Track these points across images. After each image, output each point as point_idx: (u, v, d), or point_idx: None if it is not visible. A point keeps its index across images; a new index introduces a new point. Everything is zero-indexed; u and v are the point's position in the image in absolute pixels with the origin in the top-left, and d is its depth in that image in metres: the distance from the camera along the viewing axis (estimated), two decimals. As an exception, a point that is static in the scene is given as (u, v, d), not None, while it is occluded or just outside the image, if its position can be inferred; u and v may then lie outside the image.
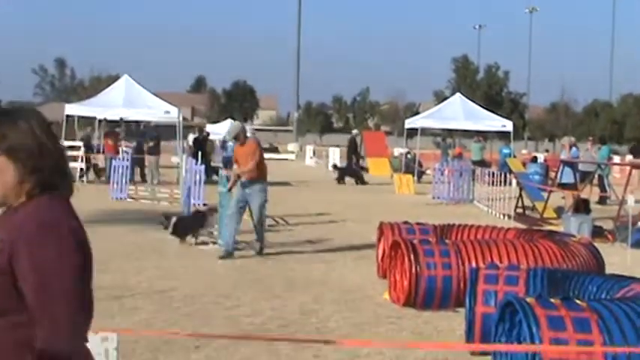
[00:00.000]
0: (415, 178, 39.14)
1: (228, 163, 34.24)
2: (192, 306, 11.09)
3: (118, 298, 11.29)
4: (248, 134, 16.64)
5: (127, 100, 35.55)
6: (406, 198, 31.99)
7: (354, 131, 45.30)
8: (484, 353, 8.64)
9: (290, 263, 14.87)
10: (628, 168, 25.16)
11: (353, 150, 43.63)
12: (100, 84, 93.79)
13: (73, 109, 36.97)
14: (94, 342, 4.37)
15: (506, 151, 43.54)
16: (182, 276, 13.26)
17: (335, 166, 43.28)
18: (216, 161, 40.24)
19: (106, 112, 36.82)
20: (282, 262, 14.99)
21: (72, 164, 33.07)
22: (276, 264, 14.72)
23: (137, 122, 42.06)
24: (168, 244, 16.76)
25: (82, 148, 34.69)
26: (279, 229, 19.84)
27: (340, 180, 39.60)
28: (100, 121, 41.70)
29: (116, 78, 47.32)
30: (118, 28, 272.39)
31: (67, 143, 34.34)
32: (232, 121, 32.70)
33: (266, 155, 16.78)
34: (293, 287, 12.67)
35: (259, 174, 15.58)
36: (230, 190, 15.95)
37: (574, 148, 28.91)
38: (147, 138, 35.71)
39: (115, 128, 39.17)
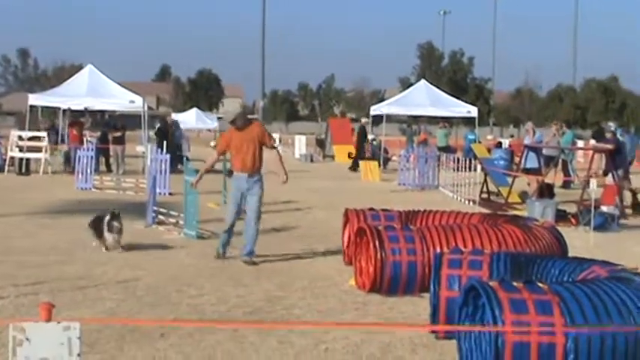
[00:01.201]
0: (381, 164, 39.23)
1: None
2: (157, 295, 11.08)
3: (82, 289, 11.26)
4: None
5: (91, 90, 35.36)
6: (372, 185, 32.07)
7: (364, 120, 45.24)
8: (449, 337, 8.70)
9: (256, 250, 14.86)
10: (591, 152, 25.34)
11: (364, 138, 43.61)
12: (63, 74, 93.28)
13: (36, 99, 36.73)
14: (56, 331, 4.38)
15: (471, 137, 43.79)
16: (147, 265, 13.23)
17: (350, 155, 43.53)
18: (183, 151, 40.09)
19: (70, 101, 36.59)
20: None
21: (36, 155, 32.94)
22: (240, 252, 14.71)
23: (102, 112, 41.82)
24: (133, 233, 16.69)
25: (46, 139, 34.46)
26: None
27: (354, 168, 39.75)
28: (64, 111, 41.46)
29: (80, 68, 47.01)
30: (81, 17, 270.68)
31: (30, 134, 34.15)
32: (197, 109, 32.60)
33: None
34: (258, 275, 12.68)
35: (261, 162, 14.28)
36: (194, 185, 14.94)
37: (538, 133, 29.06)
38: (112, 128, 35.54)
39: (79, 118, 38.96)
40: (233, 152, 13.88)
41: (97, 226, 14.87)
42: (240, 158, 13.77)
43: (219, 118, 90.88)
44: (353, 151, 47.76)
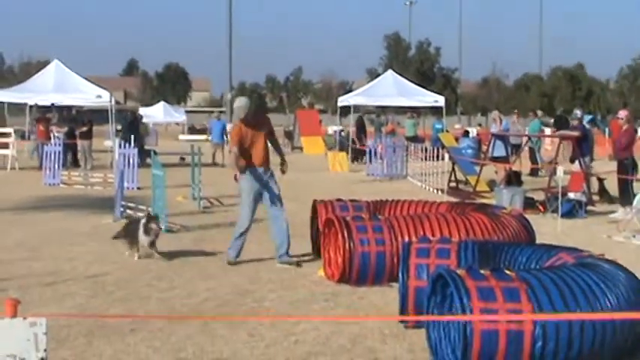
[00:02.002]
0: (349, 155, 39.29)
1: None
2: (126, 290, 11.04)
3: (51, 285, 11.21)
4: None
5: (57, 85, 35.14)
6: (340, 175, 32.12)
7: (359, 114, 45.54)
8: (418, 326, 8.73)
9: (225, 244, 14.80)
10: (558, 140, 25.47)
11: (362, 129, 43.67)
12: (30, 69, 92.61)
13: (3, 95, 36.49)
14: (22, 327, 4.36)
15: (438, 126, 43.92)
16: (116, 260, 13.19)
17: (354, 143, 43.73)
18: (150, 144, 40.00)
19: (36, 97, 36.39)
20: (216, 243, 14.95)
21: (3, 151, 32.74)
22: (210, 245, 14.70)
23: (69, 107, 41.61)
24: (101, 229, 16.65)
25: (13, 135, 34.27)
26: (214, 211, 19.81)
27: (356, 159, 39.78)
28: (30, 107, 41.21)
29: (46, 63, 46.72)
30: (47, 12, 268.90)
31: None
32: (165, 103, 32.33)
33: (200, 137, 16.51)
34: (228, 268, 12.67)
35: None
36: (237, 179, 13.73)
37: (505, 122, 29.21)
38: (79, 123, 35.38)
39: (46, 114, 38.74)
40: (248, 147, 13.08)
41: (129, 232, 13.63)
42: (257, 152, 13.19)
43: (187, 112, 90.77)
44: (321, 142, 47.83)
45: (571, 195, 19.48)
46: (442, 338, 7.75)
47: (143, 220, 13.44)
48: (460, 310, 7.12)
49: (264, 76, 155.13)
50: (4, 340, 4.38)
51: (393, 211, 13.87)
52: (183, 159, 35.89)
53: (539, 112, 33.29)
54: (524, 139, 31.24)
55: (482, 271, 7.50)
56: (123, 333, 8.77)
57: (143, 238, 13.22)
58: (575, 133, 22.60)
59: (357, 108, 45.84)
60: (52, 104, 38.48)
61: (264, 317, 9.57)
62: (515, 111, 36.80)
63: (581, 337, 7.17)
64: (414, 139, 41.83)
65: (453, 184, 26.18)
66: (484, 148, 32.09)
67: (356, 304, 10.41)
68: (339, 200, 14.18)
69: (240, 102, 13.20)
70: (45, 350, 4.46)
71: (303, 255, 13.64)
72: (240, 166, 12.99)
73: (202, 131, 71.80)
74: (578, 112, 25.24)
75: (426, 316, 7.96)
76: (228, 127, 45.60)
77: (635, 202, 17.40)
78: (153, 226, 13.25)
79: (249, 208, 13.18)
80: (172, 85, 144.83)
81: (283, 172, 13.77)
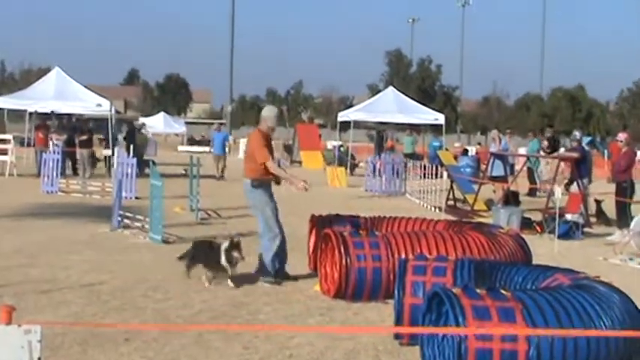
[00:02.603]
0: (348, 170, 39.31)
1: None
2: (122, 299, 11.04)
3: (47, 292, 11.20)
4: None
5: (58, 93, 35.23)
6: (339, 191, 32.13)
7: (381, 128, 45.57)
8: (413, 344, 8.73)
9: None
10: (556, 161, 25.50)
11: (380, 144, 43.62)
12: (30, 77, 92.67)
13: (3, 102, 36.54)
14: (16, 334, 4.36)
15: (435, 143, 44.04)
16: (112, 269, 13.18)
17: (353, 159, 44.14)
18: (149, 154, 40.00)
19: (36, 104, 36.45)
20: (213, 255, 14.93)
21: (2, 157, 32.73)
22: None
23: (69, 115, 41.65)
24: (98, 238, 16.66)
25: (12, 141, 34.27)
26: (212, 222, 19.80)
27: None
28: (30, 114, 41.23)
29: (47, 71, 46.80)
30: (49, 20, 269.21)
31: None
32: (165, 114, 32.34)
33: (199, 149, 16.50)
34: (223, 280, 12.65)
35: None
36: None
37: (504, 141, 29.24)
38: (78, 131, 35.39)
39: (46, 121, 38.77)
40: (270, 158, 12.83)
41: (209, 257, 12.46)
42: (272, 165, 12.92)
43: (187, 123, 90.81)
44: (320, 157, 47.80)
45: (568, 216, 19.49)
46: (436, 356, 7.75)
47: (225, 246, 12.41)
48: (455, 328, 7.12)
49: (265, 89, 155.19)
50: (-2, 347, 4.38)
51: (390, 228, 13.87)
52: (186, 171, 35.90)
53: (552, 130, 33.22)
54: (521, 159, 31.28)
55: (478, 290, 7.50)
56: (117, 342, 8.77)
57: (226, 266, 12.31)
58: (574, 155, 22.62)
59: (357, 123, 45.87)
60: (52, 112, 38.50)
61: (259, 327, 9.56)
62: (508, 131, 36.90)
63: (575, 358, 7.17)
64: (412, 156, 41.86)
65: (450, 203, 26.20)
66: (483, 167, 32.12)
67: (351, 319, 10.41)
68: (336, 215, 14.18)
69: (272, 111, 13.32)
70: (39, 358, 4.45)
71: (298, 270, 13.62)
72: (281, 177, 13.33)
73: (202, 142, 71.84)
74: (577, 134, 25.27)
75: (421, 328, 7.96)
76: (230, 138, 45.64)
77: (632, 225, 17.40)
78: (236, 254, 12.32)
79: (275, 218, 12.88)
80: (173, 95, 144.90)
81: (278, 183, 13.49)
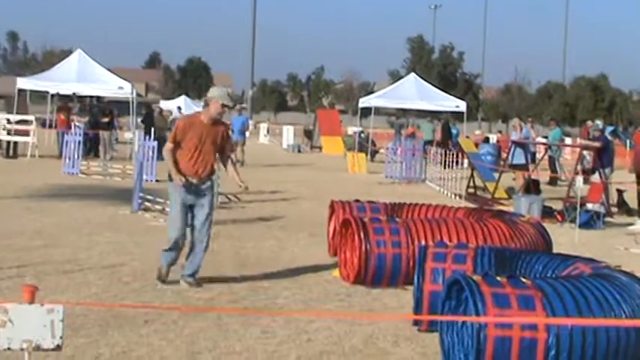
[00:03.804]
0: (368, 157, 39.31)
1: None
2: (142, 281, 11.08)
3: (68, 273, 11.26)
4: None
5: (80, 75, 35.34)
6: (359, 177, 32.14)
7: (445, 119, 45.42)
8: (432, 330, 8.73)
9: (241, 240, 14.89)
10: (578, 150, 25.42)
11: (448, 133, 43.33)
12: (53, 58, 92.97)
13: (25, 83, 36.67)
14: (39, 314, 4.39)
15: (453, 131, 43.93)
16: (133, 251, 13.23)
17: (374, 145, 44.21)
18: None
19: (58, 86, 36.59)
20: (233, 239, 15.00)
21: (24, 138, 32.86)
22: (227, 241, 14.72)
23: (90, 97, 41.79)
24: (119, 220, 16.73)
25: (34, 123, 34.40)
26: (232, 207, 19.84)
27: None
28: (52, 95, 41.38)
29: (69, 52, 46.95)
30: (71, 2, 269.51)
31: (19, 117, 34.07)
32: (186, 97, 32.32)
33: None
34: (244, 264, 12.69)
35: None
36: None
37: (525, 129, 29.17)
38: (100, 113, 35.48)
39: (67, 103, 38.91)
40: (191, 147, 10.82)
41: None
42: (200, 158, 10.89)
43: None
44: (340, 142, 47.76)
45: (589, 206, 19.43)
46: (455, 343, 7.75)
47: None
48: (475, 315, 7.12)
49: (286, 74, 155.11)
50: (20, 325, 4.42)
51: (410, 214, 13.85)
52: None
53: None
54: (542, 147, 31.22)
55: (498, 278, 7.49)
56: (137, 324, 8.81)
57: None
58: (597, 144, 22.55)
59: (378, 110, 45.82)
60: (74, 94, 38.62)
61: (277, 312, 9.58)
62: (529, 119, 36.81)
63: (595, 347, 7.16)
64: (432, 143, 41.81)
65: (471, 190, 26.14)
66: (504, 155, 32.05)
67: (370, 305, 10.42)
68: (356, 201, 14.18)
69: (222, 90, 11.32)
70: (61, 337, 4.48)
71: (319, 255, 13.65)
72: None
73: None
74: (599, 123, 25.18)
75: (440, 316, 7.96)
76: (250, 123, 45.58)
77: (653, 215, 17.34)
78: None
79: (181, 219, 10.88)
80: (194, 79, 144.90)
81: (245, 188, 11.81)
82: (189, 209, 10.89)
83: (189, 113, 11.37)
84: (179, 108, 50.98)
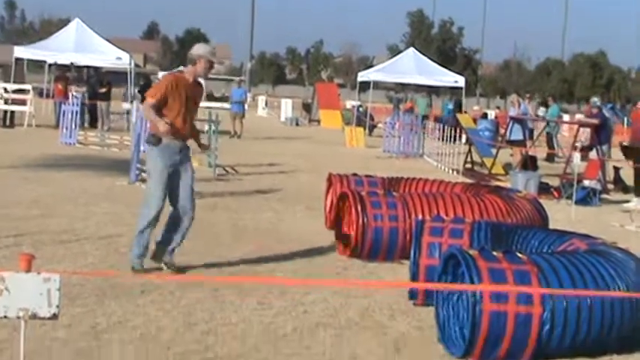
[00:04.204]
0: (366, 131, 39.30)
1: None
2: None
3: (64, 243, 11.26)
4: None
5: (78, 45, 35.29)
6: (356, 151, 32.15)
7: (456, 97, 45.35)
8: (427, 304, 8.75)
9: (238, 212, 14.90)
10: (576, 126, 25.41)
11: (459, 109, 43.13)
12: (50, 27, 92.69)
13: (22, 52, 36.63)
14: (35, 282, 4.39)
15: (449, 106, 43.94)
16: (129, 222, 13.19)
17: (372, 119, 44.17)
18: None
19: (56, 56, 36.51)
20: (230, 210, 15.01)
21: (21, 107, 32.80)
22: (224, 212, 14.74)
23: (88, 67, 41.70)
24: (116, 190, 16.74)
25: (31, 92, 34.31)
26: (229, 179, 19.84)
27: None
28: (50, 65, 41.27)
29: (67, 21, 46.83)
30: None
31: (16, 86, 33.98)
32: (184, 68, 32.21)
33: (217, 104, 16.35)
34: (241, 236, 12.71)
35: None
36: None
37: (523, 105, 29.16)
38: (98, 83, 35.40)
39: (65, 73, 38.81)
40: (179, 106, 9.90)
41: None
42: (188, 117, 10.04)
43: (205, 79, 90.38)
44: (339, 116, 47.70)
45: (586, 182, 19.45)
46: (451, 317, 7.77)
47: None
48: (470, 291, 7.15)
49: (285, 47, 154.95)
50: (17, 294, 4.42)
51: (407, 189, 13.86)
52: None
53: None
54: (540, 124, 31.23)
55: (494, 253, 7.51)
56: (134, 294, 8.83)
57: None
58: (594, 121, 22.55)
59: (376, 84, 45.77)
60: (72, 63, 38.54)
61: (274, 280, 9.59)
62: (527, 95, 36.82)
63: (589, 323, 7.20)
64: (426, 118, 41.78)
65: (468, 166, 26.16)
66: (502, 131, 32.04)
67: (366, 278, 10.44)
68: (354, 175, 14.19)
69: (207, 47, 10.51)
70: (57, 306, 4.49)
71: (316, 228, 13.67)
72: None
73: (221, 99, 71.83)
74: (596, 100, 25.18)
75: (437, 284, 7.99)
76: (248, 95, 45.37)
77: (650, 193, 17.36)
78: None
79: (163, 189, 9.88)
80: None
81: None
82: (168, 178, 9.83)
83: (171, 71, 10.36)
84: None
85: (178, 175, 9.93)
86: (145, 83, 37.25)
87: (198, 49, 10.20)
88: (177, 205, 10.02)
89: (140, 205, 10.22)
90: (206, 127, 21.67)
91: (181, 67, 11.00)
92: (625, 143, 22.48)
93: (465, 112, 45.73)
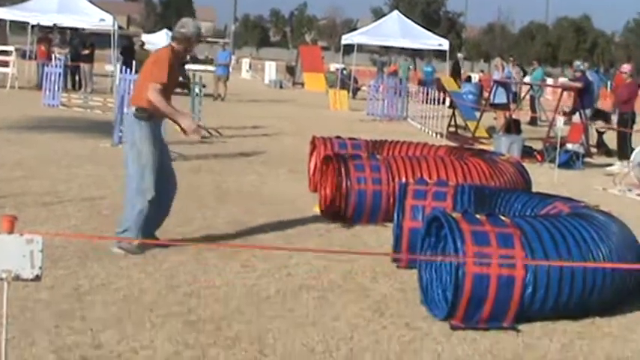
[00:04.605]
0: (350, 94, 39.23)
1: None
2: (122, 214, 11.05)
3: (47, 205, 11.23)
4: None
5: (61, 6, 34.96)
6: (340, 114, 32.12)
7: (459, 54, 44.93)
8: (410, 267, 8.78)
9: (222, 175, 14.88)
10: (559, 90, 25.42)
11: (457, 73, 42.79)
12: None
13: (4, 13, 36.32)
14: (18, 244, 4.37)
15: (428, 69, 43.96)
16: (113, 184, 13.18)
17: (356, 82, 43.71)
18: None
19: (39, 17, 36.23)
20: (214, 173, 14.99)
21: (4, 69, 32.59)
22: (208, 175, 14.72)
23: (71, 29, 41.38)
24: (99, 153, 16.68)
25: (14, 53, 34.07)
26: (213, 141, 19.78)
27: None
28: (33, 26, 40.96)
29: (50, -17, 46.39)
30: None
31: (-2, 48, 33.76)
32: (168, 31, 31.83)
33: (201, 67, 16.10)
34: (224, 198, 12.70)
35: None
36: None
37: (507, 69, 29.14)
38: (81, 45, 35.14)
39: (48, 34, 38.52)
40: (171, 85, 9.48)
41: None
42: (170, 95, 9.51)
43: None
44: (322, 79, 47.58)
45: (569, 146, 19.48)
46: (433, 280, 7.80)
47: None
48: (454, 252, 7.17)
49: (269, 9, 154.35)
50: (0, 255, 4.40)
51: (391, 152, 13.85)
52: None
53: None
54: (524, 87, 31.25)
55: (477, 216, 7.53)
56: (116, 257, 8.81)
57: None
58: (578, 85, 22.57)
59: (360, 47, 45.64)
60: (55, 25, 38.24)
61: (257, 246, 9.60)
62: (511, 59, 36.79)
63: (572, 285, 7.23)
64: (407, 81, 41.69)
65: (452, 129, 26.17)
66: (485, 94, 32.03)
67: (349, 241, 10.45)
68: (338, 137, 14.17)
69: (197, 27, 9.81)
70: (40, 268, 4.47)
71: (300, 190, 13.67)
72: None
73: (205, 61, 71.54)
74: (579, 64, 25.19)
75: (419, 255, 8.01)
76: (233, 58, 45.12)
77: (632, 156, 17.41)
78: None
79: (153, 163, 9.34)
80: (176, 12, 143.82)
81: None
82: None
83: (161, 48, 9.57)
84: None
85: (163, 150, 9.68)
86: (125, 45, 36.97)
87: (193, 28, 9.69)
88: (168, 182, 9.67)
89: (123, 167, 10.03)
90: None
91: (166, 30, 10.78)
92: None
93: (469, 76, 45.76)
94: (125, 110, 10.38)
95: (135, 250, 9.09)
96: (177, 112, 9.43)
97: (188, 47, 9.77)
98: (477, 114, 26.29)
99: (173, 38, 9.67)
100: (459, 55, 44.92)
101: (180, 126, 9.68)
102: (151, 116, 9.29)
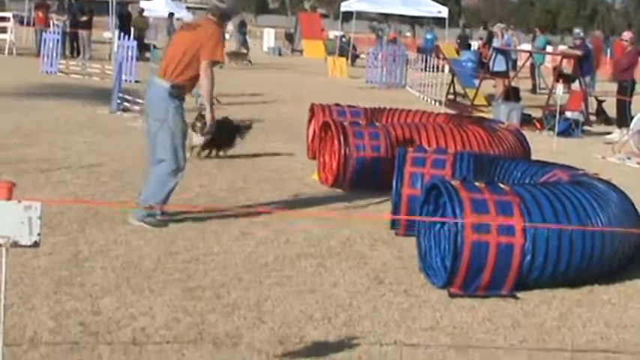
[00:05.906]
0: (349, 61, 39.13)
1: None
2: (121, 181, 11.05)
3: (45, 172, 11.21)
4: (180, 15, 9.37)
5: (59, -28, 34.80)
6: (339, 81, 32.04)
7: (496, 27, 44.58)
8: (409, 234, 8.77)
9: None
10: (559, 58, 25.37)
11: (465, 46, 42.43)
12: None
13: (2, -21, 36.12)
14: (16, 210, 4.37)
15: (429, 36, 43.79)
16: (111, 151, 13.18)
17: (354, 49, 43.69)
18: (150, 38, 39.63)
19: (37, -17, 36.05)
20: (212, 140, 14.94)
21: (2, 36, 32.50)
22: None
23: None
24: (97, 119, 16.65)
25: (12, 20, 33.94)
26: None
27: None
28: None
29: (48, -52, 46.13)
30: None
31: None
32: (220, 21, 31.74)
33: None
34: (222, 165, 12.68)
35: None
36: None
37: (506, 36, 29.03)
38: (79, 12, 34.99)
39: (46, 1, 38.35)
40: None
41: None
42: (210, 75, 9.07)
43: (188, 8, 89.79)
44: (321, 46, 47.44)
45: (568, 114, 19.44)
46: (432, 247, 7.80)
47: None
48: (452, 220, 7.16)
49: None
50: (-2, 222, 4.40)
51: (390, 119, 13.83)
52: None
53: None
54: (524, 55, 31.14)
55: (476, 184, 7.52)
56: (115, 223, 8.81)
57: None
58: (578, 52, 22.50)
59: (359, 14, 45.48)
60: (53, -9, 38.12)
61: (257, 210, 9.60)
62: (511, 26, 36.69)
63: (570, 253, 7.23)
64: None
65: (451, 97, 26.11)
66: (484, 61, 31.93)
67: (348, 209, 10.45)
68: (336, 105, 14.13)
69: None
70: (38, 234, 4.47)
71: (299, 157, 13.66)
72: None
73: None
74: (579, 32, 25.10)
75: (417, 217, 8.01)
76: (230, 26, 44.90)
77: (631, 124, 17.39)
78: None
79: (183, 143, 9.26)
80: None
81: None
82: None
83: (206, 21, 8.76)
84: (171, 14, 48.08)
85: None
86: (121, 14, 36.70)
87: (230, 2, 9.20)
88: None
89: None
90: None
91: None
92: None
93: (469, 44, 45.39)
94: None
95: (159, 224, 8.93)
96: (210, 103, 9.24)
97: (226, 22, 9.50)
98: (476, 81, 26.23)
99: (213, 14, 9.12)
100: (496, 27, 44.62)
101: (205, 115, 9.52)
102: (184, 94, 9.07)
